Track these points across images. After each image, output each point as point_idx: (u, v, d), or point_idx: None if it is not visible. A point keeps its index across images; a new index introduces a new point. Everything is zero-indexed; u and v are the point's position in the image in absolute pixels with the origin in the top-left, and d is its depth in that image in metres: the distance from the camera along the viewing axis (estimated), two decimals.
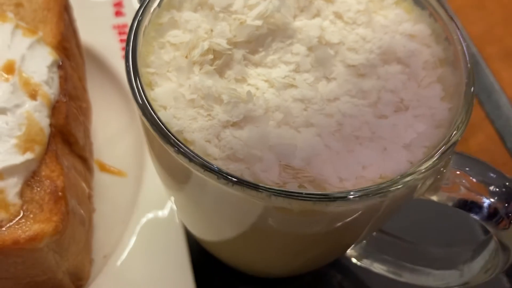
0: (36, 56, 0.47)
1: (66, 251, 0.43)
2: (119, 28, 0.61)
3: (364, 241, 0.47)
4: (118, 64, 0.59)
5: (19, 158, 0.41)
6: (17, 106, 0.43)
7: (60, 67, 0.48)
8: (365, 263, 0.47)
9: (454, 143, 0.33)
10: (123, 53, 0.59)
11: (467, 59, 0.36)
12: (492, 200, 0.34)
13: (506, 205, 0.34)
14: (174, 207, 0.49)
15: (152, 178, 0.52)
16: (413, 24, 0.39)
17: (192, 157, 0.30)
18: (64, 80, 0.48)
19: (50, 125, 0.44)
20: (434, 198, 0.36)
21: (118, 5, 0.62)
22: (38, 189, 0.41)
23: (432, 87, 0.36)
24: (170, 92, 0.34)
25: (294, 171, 0.32)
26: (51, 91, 0.46)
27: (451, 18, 0.38)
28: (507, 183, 0.35)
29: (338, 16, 0.39)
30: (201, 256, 0.49)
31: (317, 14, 0.39)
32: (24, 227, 0.39)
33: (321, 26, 0.38)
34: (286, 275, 0.51)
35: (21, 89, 0.44)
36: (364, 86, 0.36)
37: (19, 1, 0.51)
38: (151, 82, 0.35)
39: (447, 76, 0.37)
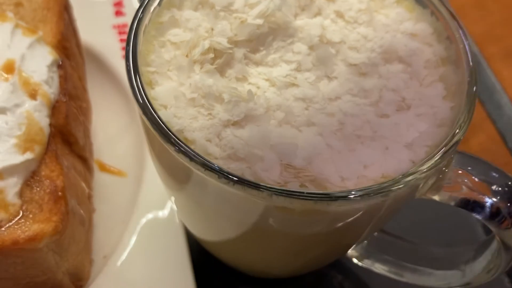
0: (36, 55, 0.46)
1: (66, 251, 0.43)
2: (119, 28, 0.61)
3: (365, 242, 0.46)
4: (118, 64, 0.59)
5: (18, 158, 0.41)
6: (17, 105, 0.43)
7: (60, 66, 0.48)
8: (366, 264, 0.46)
9: (457, 142, 0.33)
10: (123, 53, 0.59)
11: (470, 57, 0.36)
12: (494, 199, 0.34)
13: (509, 204, 0.34)
14: (174, 207, 0.49)
15: (152, 178, 0.52)
16: (414, 23, 0.39)
17: (192, 156, 0.30)
18: (64, 79, 0.47)
19: (50, 124, 0.44)
20: (436, 197, 0.36)
21: (118, 4, 0.62)
22: (38, 189, 0.41)
23: (434, 86, 0.36)
24: (170, 91, 0.34)
25: (295, 170, 0.32)
26: (51, 90, 0.45)
27: (453, 17, 0.38)
28: (509, 183, 0.34)
29: (339, 15, 0.39)
30: (201, 256, 0.48)
31: (318, 13, 0.39)
32: (23, 227, 0.39)
33: (322, 25, 0.38)
34: (286, 275, 0.50)
35: (21, 88, 0.44)
36: (366, 85, 0.35)
37: (19, 0, 0.51)
38: (151, 81, 0.35)
39: (449, 75, 0.37)
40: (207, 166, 0.30)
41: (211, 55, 0.35)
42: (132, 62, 0.34)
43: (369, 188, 0.30)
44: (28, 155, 0.41)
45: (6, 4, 0.51)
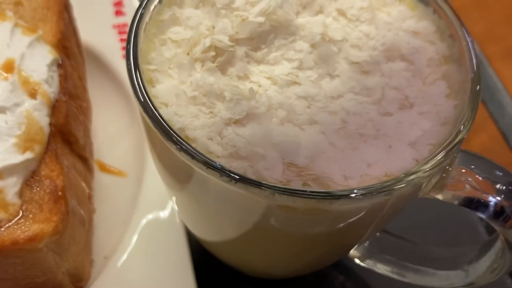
0: (36, 54, 0.46)
1: (66, 251, 0.42)
2: (119, 28, 0.61)
3: (367, 242, 0.46)
4: (118, 64, 0.59)
5: (18, 158, 0.41)
6: (17, 105, 0.43)
7: (60, 66, 0.47)
8: (368, 264, 0.46)
9: (460, 141, 0.32)
10: (123, 52, 0.59)
11: (473, 55, 0.36)
12: (498, 198, 0.34)
13: None
14: (175, 207, 0.48)
15: (153, 178, 0.51)
16: (417, 21, 0.38)
17: (194, 155, 0.30)
18: (64, 79, 0.47)
19: (50, 124, 0.44)
20: (440, 196, 0.35)
21: (118, 4, 0.62)
22: (38, 188, 0.41)
23: (437, 84, 0.36)
24: (171, 89, 0.34)
25: (298, 169, 0.31)
26: (51, 90, 0.45)
27: (456, 15, 0.37)
28: None
29: (341, 13, 0.38)
30: (202, 257, 0.48)
31: (320, 11, 0.38)
32: (23, 227, 0.39)
33: (324, 23, 0.37)
34: (288, 276, 0.50)
35: (21, 87, 0.43)
36: (368, 83, 0.35)
37: None
38: (152, 79, 0.35)
39: (452, 73, 0.36)
40: (208, 165, 0.30)
41: (212, 53, 0.35)
42: (132, 60, 0.34)
43: (372, 187, 0.30)
44: (28, 155, 0.41)
45: (6, 3, 0.50)
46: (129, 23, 0.36)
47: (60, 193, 0.41)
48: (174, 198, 0.42)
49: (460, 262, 0.42)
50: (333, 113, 0.34)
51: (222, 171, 0.29)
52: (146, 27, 0.36)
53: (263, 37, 0.36)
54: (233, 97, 0.33)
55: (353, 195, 0.30)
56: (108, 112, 0.58)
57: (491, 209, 0.34)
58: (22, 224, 0.39)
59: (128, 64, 0.33)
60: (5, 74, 0.44)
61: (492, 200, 0.34)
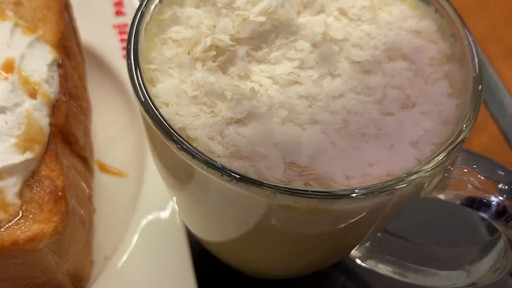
0: (36, 54, 0.46)
1: (66, 252, 0.42)
2: (119, 28, 0.61)
3: (369, 242, 0.46)
4: (119, 64, 0.58)
5: (18, 158, 0.40)
6: (17, 105, 0.43)
7: (60, 65, 0.47)
8: (370, 264, 0.46)
9: (463, 140, 0.32)
10: (123, 53, 0.59)
11: (475, 54, 0.35)
12: (501, 198, 0.34)
13: None
14: (176, 207, 0.48)
15: (153, 178, 0.51)
16: (418, 21, 0.38)
17: (195, 154, 0.30)
18: (64, 79, 0.47)
19: (50, 124, 0.44)
20: (441, 196, 0.35)
21: (119, 4, 0.62)
22: (38, 189, 0.41)
23: (439, 84, 0.36)
24: (172, 89, 0.34)
25: (299, 168, 0.31)
26: (51, 90, 0.45)
27: (458, 14, 0.37)
28: None
29: (343, 12, 0.38)
30: (202, 257, 0.48)
31: (321, 11, 0.38)
32: (23, 228, 0.39)
33: (325, 22, 0.37)
34: (289, 276, 0.50)
35: (21, 87, 0.43)
36: (370, 82, 0.35)
37: None
38: (152, 78, 0.35)
39: (454, 73, 0.36)
40: (209, 164, 0.29)
41: (213, 52, 0.35)
42: (133, 59, 0.33)
43: (374, 186, 0.30)
44: (28, 155, 0.41)
45: (6, 3, 0.50)
46: (129, 23, 0.36)
47: (60, 193, 0.41)
48: (174, 198, 0.42)
49: (462, 262, 0.41)
50: (334, 113, 0.34)
51: (223, 171, 0.29)
52: (147, 27, 0.36)
53: (264, 36, 0.36)
54: (234, 96, 0.33)
55: (355, 194, 0.30)
56: (108, 112, 0.57)
57: (494, 208, 0.34)
58: (22, 224, 0.39)
59: (129, 64, 0.33)
60: (5, 74, 0.44)
61: (495, 199, 0.34)
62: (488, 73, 0.63)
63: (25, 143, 0.41)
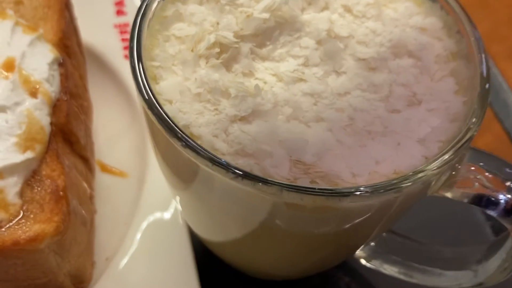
0: (37, 53, 0.45)
1: (67, 252, 0.42)
2: (120, 27, 0.60)
3: (374, 242, 0.45)
4: (120, 64, 0.58)
5: (19, 157, 0.40)
6: (17, 104, 0.42)
7: (61, 64, 0.47)
8: (375, 264, 0.45)
9: (471, 138, 0.32)
10: (124, 52, 0.59)
11: (482, 51, 0.35)
12: (509, 196, 0.33)
13: None
14: (178, 207, 0.48)
15: (155, 178, 0.51)
16: (424, 17, 0.38)
17: (199, 151, 0.29)
18: (65, 78, 0.47)
19: (51, 123, 0.43)
20: (449, 194, 0.35)
21: (120, 4, 0.61)
22: (39, 188, 0.40)
23: (445, 81, 0.35)
24: (175, 86, 0.33)
25: (305, 166, 0.31)
26: (51, 88, 0.44)
27: (464, 10, 0.37)
28: None
29: (347, 9, 0.38)
30: (205, 258, 0.48)
31: (325, 7, 0.38)
32: (24, 228, 0.38)
33: (330, 19, 0.37)
34: (293, 277, 0.49)
35: (21, 86, 0.43)
36: (375, 80, 0.35)
37: None
38: (156, 75, 0.34)
39: (461, 70, 0.36)
40: (214, 161, 0.29)
41: (217, 49, 0.34)
42: (136, 56, 0.33)
43: (382, 184, 0.29)
44: (29, 154, 0.40)
45: (6, 2, 0.50)
46: (130, 22, 0.36)
47: (61, 193, 0.40)
48: (177, 198, 0.42)
49: (468, 262, 0.41)
50: (340, 110, 0.33)
51: (228, 168, 0.29)
52: (150, 24, 0.36)
53: (268, 33, 0.36)
54: (239, 94, 0.32)
55: (362, 192, 0.29)
56: (109, 112, 0.57)
57: (502, 206, 0.33)
58: (23, 224, 0.38)
59: (132, 61, 0.33)
60: (6, 73, 0.43)
61: (503, 197, 0.33)
62: (491, 73, 0.63)
63: (25, 142, 0.41)
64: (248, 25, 0.35)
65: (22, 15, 0.49)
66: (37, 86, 0.43)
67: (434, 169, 0.31)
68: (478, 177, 0.34)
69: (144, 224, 0.48)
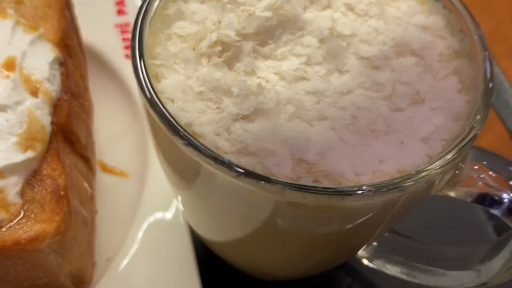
0: (37, 52, 0.45)
1: (68, 252, 0.41)
2: (121, 27, 0.60)
3: (376, 242, 0.45)
4: (120, 63, 0.58)
5: (19, 156, 0.40)
6: (18, 103, 0.42)
7: (61, 64, 0.47)
8: (377, 264, 0.45)
9: (475, 136, 0.32)
10: (125, 52, 0.58)
11: (485, 49, 0.35)
12: None
13: None
14: (179, 207, 0.48)
15: (156, 178, 0.50)
16: (426, 16, 0.38)
17: (202, 150, 0.29)
18: (66, 77, 0.46)
19: (52, 123, 0.43)
20: (452, 194, 0.34)
21: (120, 3, 0.61)
22: (40, 188, 0.40)
23: (448, 79, 0.35)
24: (177, 85, 0.33)
25: (308, 165, 0.31)
26: (52, 88, 0.44)
27: (467, 9, 0.37)
28: None
29: (350, 8, 0.38)
30: (206, 258, 0.47)
31: (327, 6, 0.38)
32: (25, 227, 0.38)
33: (332, 17, 0.37)
34: (294, 277, 0.49)
35: (22, 85, 0.43)
36: (378, 78, 0.34)
37: None
38: (157, 74, 0.34)
39: (464, 68, 0.36)
40: (217, 159, 0.29)
41: (219, 48, 0.34)
42: (138, 54, 0.33)
43: (385, 183, 0.29)
44: (30, 154, 0.40)
45: (7, 2, 0.50)
46: (131, 22, 0.36)
47: (62, 192, 0.40)
48: (179, 198, 0.41)
49: (471, 262, 0.41)
50: (343, 109, 0.33)
51: (231, 166, 0.29)
52: (151, 22, 0.35)
53: (270, 32, 0.36)
54: (241, 92, 0.32)
55: (365, 191, 0.29)
56: (110, 112, 0.57)
57: (505, 205, 0.33)
58: (24, 224, 0.38)
59: (134, 59, 0.33)
60: (6, 72, 0.43)
61: (506, 196, 0.33)
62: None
63: (26, 142, 0.40)
64: (250, 24, 0.35)
65: (22, 15, 0.49)
66: (38, 86, 0.43)
67: (438, 168, 0.31)
68: (481, 176, 0.34)
69: (145, 224, 0.48)
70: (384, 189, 0.29)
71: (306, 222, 0.32)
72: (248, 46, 0.35)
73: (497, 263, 0.38)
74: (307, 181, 0.30)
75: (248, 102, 0.32)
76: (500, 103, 0.61)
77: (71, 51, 0.50)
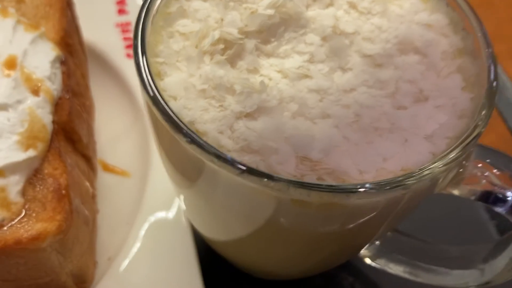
0: (39, 51, 0.45)
1: (69, 251, 0.41)
2: (122, 26, 0.60)
3: (379, 241, 0.45)
4: (121, 63, 0.58)
5: (21, 155, 0.40)
6: (19, 102, 0.42)
7: (63, 63, 0.47)
8: (380, 263, 0.45)
9: (479, 134, 0.31)
10: (126, 51, 0.58)
11: (488, 47, 0.35)
12: None
13: None
14: (181, 206, 0.47)
15: (157, 178, 0.50)
16: (429, 14, 0.38)
17: (205, 147, 0.29)
18: (67, 76, 0.46)
19: (53, 121, 0.43)
20: (456, 192, 0.34)
21: (121, 3, 0.61)
22: (41, 187, 0.40)
23: (452, 77, 0.35)
24: (180, 82, 0.33)
25: (311, 163, 0.30)
26: (53, 87, 0.44)
27: (470, 7, 0.37)
28: None
29: (352, 5, 0.37)
30: (208, 257, 0.47)
31: (330, 4, 0.37)
32: (26, 227, 0.38)
33: (335, 15, 0.37)
34: (297, 276, 0.49)
35: (23, 84, 0.42)
36: (381, 76, 0.34)
37: None
38: (160, 72, 0.34)
39: (467, 66, 0.35)
40: (220, 157, 0.29)
41: (221, 46, 0.34)
42: (140, 52, 0.33)
43: (389, 181, 0.29)
44: (31, 153, 0.40)
45: (8, 1, 0.50)
46: (132, 21, 0.35)
47: (63, 191, 0.40)
48: (181, 196, 0.41)
49: (474, 260, 0.41)
50: (346, 107, 0.33)
51: (234, 163, 0.28)
52: (154, 20, 0.35)
53: (273, 30, 0.35)
54: (244, 90, 0.32)
55: (369, 189, 0.29)
56: (111, 111, 0.57)
57: (510, 203, 0.33)
58: (25, 223, 0.38)
59: (136, 57, 0.33)
60: (8, 71, 0.43)
61: (510, 194, 0.33)
62: None
63: (27, 141, 0.40)
64: (253, 22, 0.35)
65: (23, 14, 0.49)
66: (39, 84, 0.43)
67: (442, 166, 0.31)
68: (485, 174, 0.34)
69: (146, 224, 0.48)
70: (388, 187, 0.29)
71: (309, 220, 0.32)
72: (250, 44, 0.34)
73: (501, 261, 0.38)
74: (310, 179, 0.30)
75: (251, 100, 0.32)
76: (502, 102, 0.61)
77: (72, 50, 0.50)
